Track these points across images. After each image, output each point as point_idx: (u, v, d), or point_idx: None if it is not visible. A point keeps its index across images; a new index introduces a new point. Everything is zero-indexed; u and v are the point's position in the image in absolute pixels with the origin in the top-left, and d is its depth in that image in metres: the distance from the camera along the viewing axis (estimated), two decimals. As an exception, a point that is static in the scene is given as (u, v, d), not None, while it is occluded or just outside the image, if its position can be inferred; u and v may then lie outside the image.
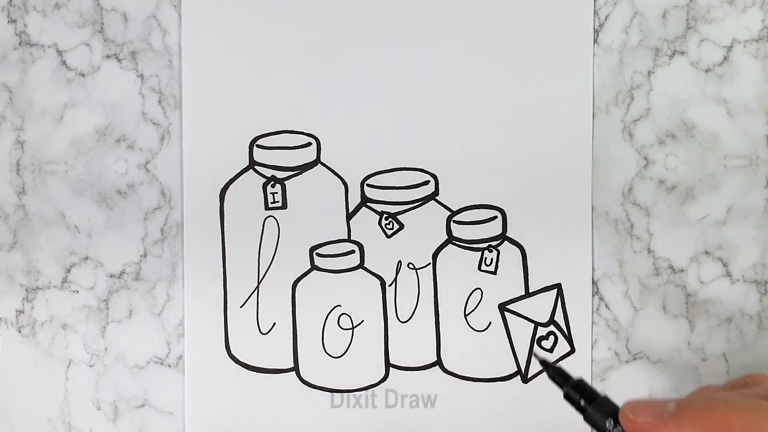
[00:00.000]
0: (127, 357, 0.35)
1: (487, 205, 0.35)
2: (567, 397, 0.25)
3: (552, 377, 0.26)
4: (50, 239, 0.34)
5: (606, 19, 0.35)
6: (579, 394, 0.25)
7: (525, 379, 0.35)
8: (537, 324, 0.35)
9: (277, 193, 0.34)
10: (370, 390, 0.35)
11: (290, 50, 0.34)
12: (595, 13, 0.35)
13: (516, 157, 0.34)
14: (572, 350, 0.35)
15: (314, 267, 0.34)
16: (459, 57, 0.34)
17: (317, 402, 0.35)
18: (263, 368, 0.34)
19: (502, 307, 0.35)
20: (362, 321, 0.35)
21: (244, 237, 0.34)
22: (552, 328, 0.35)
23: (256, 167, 0.34)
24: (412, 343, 0.35)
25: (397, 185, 0.34)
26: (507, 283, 0.35)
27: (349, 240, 0.34)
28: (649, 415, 0.21)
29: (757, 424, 0.18)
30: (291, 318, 0.34)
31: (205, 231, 0.34)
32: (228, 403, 0.34)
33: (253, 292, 0.34)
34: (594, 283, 0.35)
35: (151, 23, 0.34)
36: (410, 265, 0.35)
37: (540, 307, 0.35)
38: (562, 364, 0.35)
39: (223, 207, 0.34)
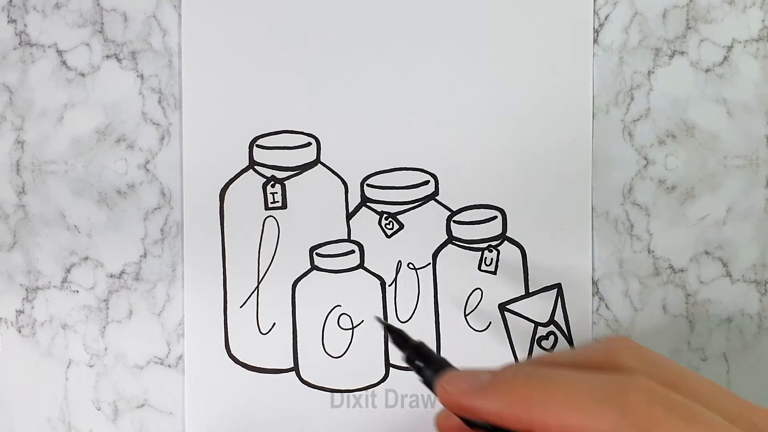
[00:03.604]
0: (127, 357, 0.35)
1: (487, 205, 0.35)
2: (408, 361, 0.24)
3: (394, 342, 0.25)
4: (50, 239, 0.34)
5: (606, 19, 0.35)
6: (417, 357, 0.24)
7: (525, 379, 0.35)
8: (537, 324, 0.35)
9: (277, 193, 0.34)
10: (370, 390, 0.35)
11: (290, 50, 0.34)
12: (595, 13, 0.35)
13: (516, 157, 0.34)
14: (572, 350, 0.35)
15: (314, 267, 0.34)
16: (459, 57, 0.34)
17: (317, 402, 0.35)
18: (263, 368, 0.34)
19: (502, 307, 0.35)
20: (362, 321, 0.35)
21: (244, 237, 0.34)
22: (552, 328, 0.35)
23: (256, 167, 0.34)
24: (412, 343, 0.35)
25: (397, 185, 0.34)
26: (507, 283, 0.35)
27: (349, 240, 0.34)
28: (462, 385, 0.21)
29: (557, 398, 0.19)
30: (291, 318, 0.34)
31: (205, 231, 0.34)
32: (228, 403, 0.34)
33: (253, 292, 0.34)
34: (594, 283, 0.35)
35: (151, 23, 0.34)
36: (410, 265, 0.35)
37: (540, 307, 0.35)
38: None
39: (223, 207, 0.34)
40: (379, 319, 0.27)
